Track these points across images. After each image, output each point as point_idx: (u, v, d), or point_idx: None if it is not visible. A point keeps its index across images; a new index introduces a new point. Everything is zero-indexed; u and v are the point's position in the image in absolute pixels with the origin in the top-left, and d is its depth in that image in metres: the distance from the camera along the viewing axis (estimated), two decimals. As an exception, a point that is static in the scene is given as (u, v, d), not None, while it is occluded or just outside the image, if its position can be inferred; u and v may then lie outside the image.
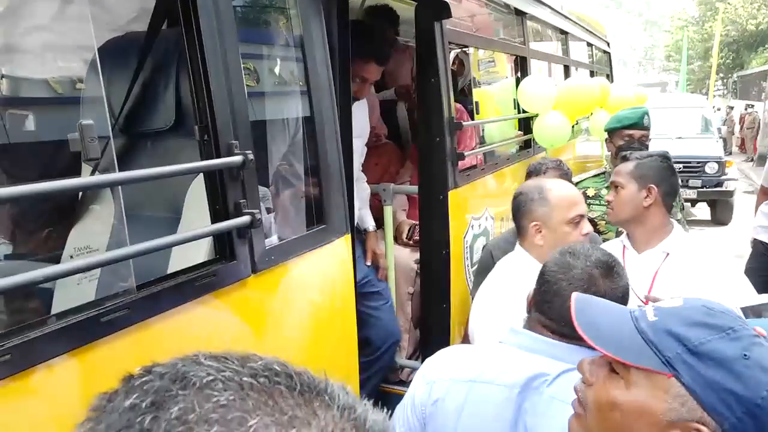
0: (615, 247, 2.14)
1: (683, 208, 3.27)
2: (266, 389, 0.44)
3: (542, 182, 1.96)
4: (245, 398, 0.42)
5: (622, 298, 1.32)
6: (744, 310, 1.36)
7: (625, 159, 2.22)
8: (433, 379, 1.35)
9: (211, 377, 0.44)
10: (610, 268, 1.34)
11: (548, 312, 1.32)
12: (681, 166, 9.85)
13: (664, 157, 2.20)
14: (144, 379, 0.45)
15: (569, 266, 1.33)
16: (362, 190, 2.89)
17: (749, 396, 0.84)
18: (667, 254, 2.05)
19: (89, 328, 1.08)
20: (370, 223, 2.93)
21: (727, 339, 0.88)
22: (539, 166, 2.76)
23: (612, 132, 3.16)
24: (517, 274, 1.81)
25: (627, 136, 3.06)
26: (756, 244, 4.00)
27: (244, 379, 0.44)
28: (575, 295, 1.05)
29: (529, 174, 2.78)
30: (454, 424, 1.28)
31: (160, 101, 1.65)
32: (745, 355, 0.86)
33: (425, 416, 1.33)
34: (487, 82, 4.67)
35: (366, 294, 2.78)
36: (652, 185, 2.10)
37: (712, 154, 9.99)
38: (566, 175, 2.73)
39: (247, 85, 1.66)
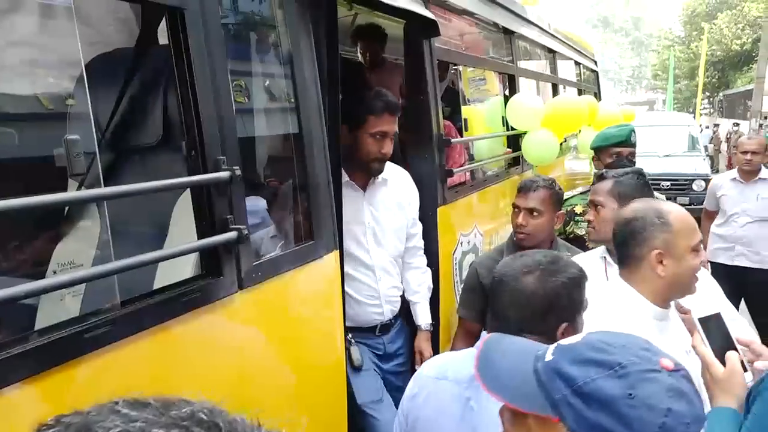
0: (594, 262, 2.12)
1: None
2: None
3: (657, 204, 1.68)
4: None
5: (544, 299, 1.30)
6: (700, 321, 1.35)
7: (601, 177, 2.24)
8: (416, 376, 1.47)
9: (118, 429, 0.41)
10: (540, 265, 1.33)
11: (493, 314, 1.39)
12: (669, 183, 9.97)
13: (640, 174, 2.23)
14: (51, 431, 0.43)
15: (508, 265, 1.38)
16: (424, 279, 2.59)
17: None
18: None
19: (72, 344, 1.07)
20: (425, 320, 2.53)
21: (614, 377, 0.81)
22: (530, 183, 2.76)
23: (599, 150, 3.18)
24: (626, 317, 1.51)
25: (615, 153, 3.09)
26: (716, 267, 4.07)
27: (155, 430, 0.42)
28: (487, 337, 1.03)
29: (520, 191, 2.77)
30: (421, 417, 1.39)
31: (148, 117, 1.65)
32: (630, 393, 0.80)
33: (407, 411, 1.43)
34: (479, 100, 4.72)
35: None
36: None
37: (700, 172, 10.11)
38: (558, 194, 2.73)
39: (236, 102, 1.67)
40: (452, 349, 2.50)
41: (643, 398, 0.80)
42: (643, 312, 1.55)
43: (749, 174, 4.10)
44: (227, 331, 1.47)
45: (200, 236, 1.42)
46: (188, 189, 1.46)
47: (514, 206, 2.43)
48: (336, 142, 1.89)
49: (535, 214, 2.35)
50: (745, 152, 4.10)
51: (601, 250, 2.13)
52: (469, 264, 3.09)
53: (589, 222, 2.22)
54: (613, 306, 1.57)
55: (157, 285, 1.44)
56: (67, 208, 1.61)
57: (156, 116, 1.61)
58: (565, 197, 3.22)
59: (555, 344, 0.91)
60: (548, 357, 0.89)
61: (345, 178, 2.23)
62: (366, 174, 2.35)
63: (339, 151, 1.92)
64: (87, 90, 1.31)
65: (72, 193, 1.25)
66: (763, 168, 4.23)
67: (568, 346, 0.89)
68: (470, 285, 2.52)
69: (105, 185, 1.58)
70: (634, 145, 3.11)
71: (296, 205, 1.85)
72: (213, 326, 1.42)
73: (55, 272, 1.46)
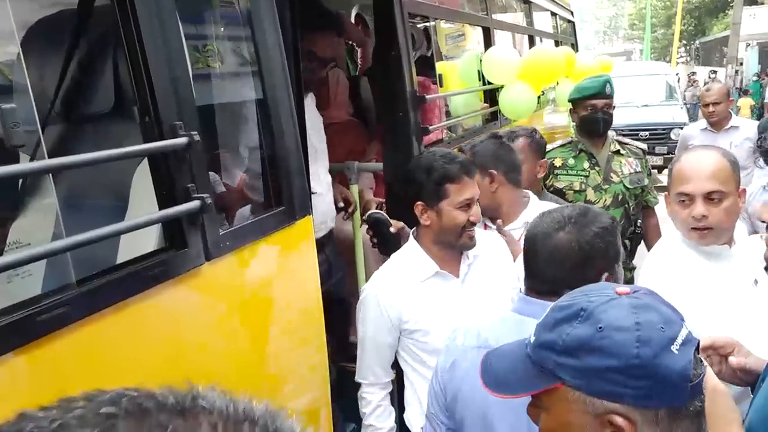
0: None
1: (650, 174, 3.26)
2: (134, 413, 0.37)
3: None
4: (113, 427, 0.36)
5: (592, 245, 1.28)
6: None
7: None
8: (450, 347, 1.42)
9: (57, 422, 0.36)
10: (571, 219, 1.31)
11: (529, 273, 1.35)
12: (647, 133, 9.99)
13: (495, 136, 2.27)
14: None
15: (537, 224, 1.35)
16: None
17: (624, 363, 0.82)
18: (527, 223, 2.03)
19: (23, 328, 1.01)
20: None
21: (582, 322, 0.86)
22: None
23: (575, 102, 3.13)
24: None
25: (590, 106, 3.04)
26: None
27: (104, 410, 0.37)
28: (484, 355, 1.05)
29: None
30: (464, 388, 1.34)
31: (98, 83, 1.55)
32: (600, 327, 0.84)
33: (444, 382, 1.39)
34: (457, 56, 4.60)
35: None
36: (492, 170, 2.18)
37: (678, 121, 10.13)
38: (538, 143, 2.68)
39: (198, 66, 1.58)
40: None
41: (610, 324, 0.84)
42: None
43: (717, 124, 4.10)
44: (195, 304, 1.41)
45: (161, 207, 1.35)
46: (146, 158, 1.38)
47: None
48: (300, 104, 1.81)
49: None
50: (706, 105, 4.09)
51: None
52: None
53: None
54: None
55: (120, 260, 1.37)
56: (20, 185, 1.52)
57: (107, 82, 1.51)
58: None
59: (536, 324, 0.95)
60: (532, 339, 0.93)
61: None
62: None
63: (304, 114, 1.84)
64: (22, 56, 1.21)
65: (13, 167, 1.16)
66: (732, 115, 4.24)
67: (541, 320, 0.94)
68: None
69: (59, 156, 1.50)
70: (609, 96, 3.05)
71: (265, 170, 1.78)
72: (179, 300, 1.36)
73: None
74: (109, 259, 1.39)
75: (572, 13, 7.61)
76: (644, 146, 3.31)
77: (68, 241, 1.07)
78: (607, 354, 0.83)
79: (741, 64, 21.61)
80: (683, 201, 1.67)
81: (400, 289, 1.82)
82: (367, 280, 3.05)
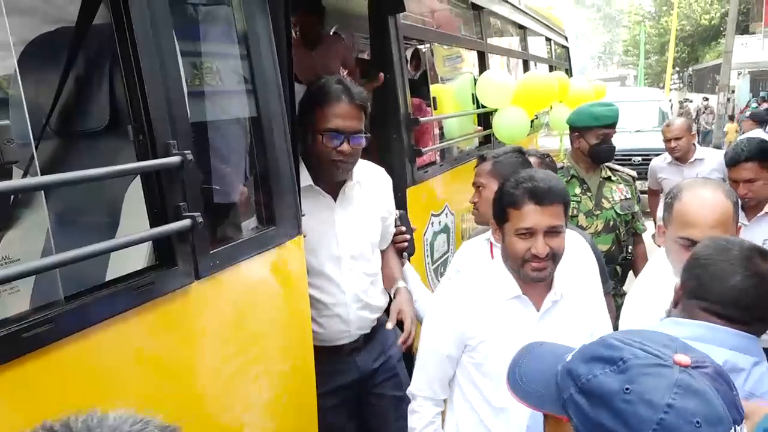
0: (481, 244, 2.14)
1: (639, 201, 3.29)
2: None
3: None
4: None
5: None
6: None
7: (483, 159, 2.25)
8: None
9: None
10: (764, 252, 1.34)
11: (709, 296, 1.30)
12: (640, 158, 10.03)
13: (519, 152, 2.24)
14: None
15: (726, 249, 1.33)
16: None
17: None
18: None
19: (9, 345, 1.00)
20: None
21: (615, 372, 0.77)
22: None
23: (586, 129, 3.08)
24: None
25: (603, 134, 3.04)
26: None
27: None
28: (516, 353, 1.00)
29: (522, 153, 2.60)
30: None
31: (93, 100, 1.56)
32: (627, 388, 0.75)
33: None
34: (455, 78, 4.65)
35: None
36: None
37: (670, 147, 10.17)
38: (550, 167, 2.62)
39: (193, 85, 1.59)
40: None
41: (640, 393, 0.74)
42: None
43: (682, 157, 4.11)
44: (184, 323, 1.41)
45: (153, 224, 1.35)
46: (138, 176, 1.39)
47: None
48: (293, 125, 1.82)
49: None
50: (668, 140, 4.12)
51: (488, 233, 2.07)
52: (440, 244, 3.05)
53: (474, 204, 2.23)
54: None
55: (110, 276, 1.37)
56: (11, 200, 1.52)
57: (102, 99, 1.53)
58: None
59: (581, 345, 0.88)
60: (569, 357, 0.86)
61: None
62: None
63: (297, 134, 1.85)
64: (17, 73, 1.22)
65: (5, 183, 1.16)
66: (697, 147, 4.20)
67: (587, 345, 0.86)
68: None
69: (52, 173, 1.51)
70: (615, 125, 3.09)
71: (257, 189, 1.79)
72: (168, 318, 1.36)
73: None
74: (99, 275, 1.39)
75: (567, 38, 7.73)
76: (634, 173, 3.34)
77: (57, 258, 1.07)
78: (620, 420, 0.74)
79: (733, 91, 21.89)
80: (686, 245, 1.62)
81: (474, 305, 1.70)
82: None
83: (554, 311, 1.69)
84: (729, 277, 1.28)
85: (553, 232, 1.61)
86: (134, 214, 1.48)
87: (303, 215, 1.86)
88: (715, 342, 1.24)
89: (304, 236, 1.86)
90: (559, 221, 1.62)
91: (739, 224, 1.73)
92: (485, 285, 1.73)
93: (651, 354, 0.78)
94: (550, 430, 0.88)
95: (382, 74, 2.61)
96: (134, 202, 1.45)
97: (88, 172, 1.16)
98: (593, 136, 3.05)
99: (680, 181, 3.85)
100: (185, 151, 1.35)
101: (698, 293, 1.32)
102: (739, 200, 2.84)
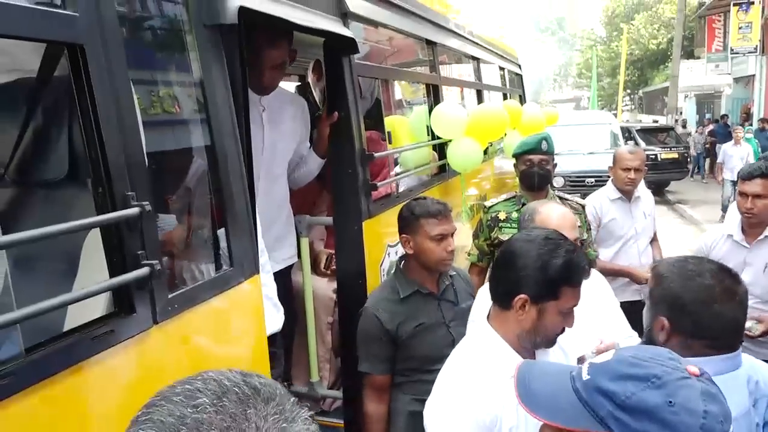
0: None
1: (589, 229, 3.44)
2: None
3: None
4: None
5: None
6: None
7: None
8: None
9: None
10: (728, 270, 1.41)
11: (697, 329, 1.36)
12: (593, 180, 10.41)
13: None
14: None
15: (698, 273, 1.39)
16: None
17: None
18: None
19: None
20: None
21: (652, 388, 0.90)
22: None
23: (516, 157, 3.33)
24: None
25: (527, 161, 3.23)
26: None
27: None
28: (520, 364, 1.10)
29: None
30: None
31: (52, 151, 1.60)
32: (670, 401, 0.88)
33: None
34: (419, 102, 4.73)
35: None
36: None
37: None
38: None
39: (150, 134, 1.63)
40: (366, 413, 2.37)
41: (682, 404, 0.88)
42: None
43: (631, 193, 3.64)
44: (143, 367, 1.45)
45: (111, 273, 1.40)
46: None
47: None
48: (249, 164, 1.89)
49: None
50: (627, 169, 3.55)
51: None
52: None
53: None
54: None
55: (68, 325, 1.40)
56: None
57: (60, 150, 1.57)
58: (489, 204, 3.34)
59: (587, 363, 1.00)
60: (585, 376, 0.97)
61: None
62: None
63: (252, 173, 1.92)
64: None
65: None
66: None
67: (602, 364, 0.98)
68: (372, 334, 2.31)
69: (10, 222, 1.54)
70: (546, 153, 3.23)
71: (214, 232, 1.84)
72: (127, 365, 1.40)
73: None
74: (59, 322, 1.42)
75: (520, 66, 7.98)
76: (584, 202, 3.49)
77: (16, 314, 1.11)
78: (669, 429, 0.87)
79: (681, 113, 22.81)
80: None
81: (491, 388, 1.47)
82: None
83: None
84: (726, 314, 1.35)
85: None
86: (93, 261, 1.52)
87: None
88: (721, 372, 1.32)
89: None
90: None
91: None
92: (491, 365, 1.52)
93: (674, 369, 0.92)
94: None
95: (336, 113, 2.70)
96: (93, 250, 1.49)
97: (48, 229, 1.21)
98: (521, 163, 3.26)
99: (628, 220, 3.76)
100: (143, 202, 1.40)
101: (695, 333, 1.38)
102: (741, 217, 2.87)
